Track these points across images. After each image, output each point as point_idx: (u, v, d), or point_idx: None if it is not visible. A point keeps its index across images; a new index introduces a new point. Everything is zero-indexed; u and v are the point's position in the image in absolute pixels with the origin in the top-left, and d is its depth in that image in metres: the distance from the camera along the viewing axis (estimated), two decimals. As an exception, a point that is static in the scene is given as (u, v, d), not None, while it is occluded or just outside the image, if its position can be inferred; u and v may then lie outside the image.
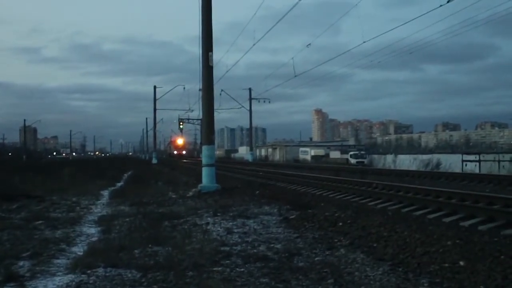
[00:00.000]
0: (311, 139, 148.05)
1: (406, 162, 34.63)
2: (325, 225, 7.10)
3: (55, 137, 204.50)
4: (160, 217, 8.31)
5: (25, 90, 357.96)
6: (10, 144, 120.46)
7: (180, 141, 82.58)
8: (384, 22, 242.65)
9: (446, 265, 4.60)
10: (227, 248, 5.69)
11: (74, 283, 4.35)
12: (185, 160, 61.57)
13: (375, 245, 5.70)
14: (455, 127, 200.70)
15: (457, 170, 26.57)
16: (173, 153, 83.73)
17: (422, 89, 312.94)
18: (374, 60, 46.47)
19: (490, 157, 32.17)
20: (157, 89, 56.59)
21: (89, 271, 4.67)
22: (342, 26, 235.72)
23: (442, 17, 18.39)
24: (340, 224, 7.03)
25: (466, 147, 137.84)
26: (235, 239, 6.40)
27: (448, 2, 13.87)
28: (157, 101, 56.70)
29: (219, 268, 4.77)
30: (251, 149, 64.21)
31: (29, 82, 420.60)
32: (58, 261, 5.23)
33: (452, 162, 30.26)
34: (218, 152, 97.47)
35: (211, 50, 13.84)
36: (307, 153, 64.83)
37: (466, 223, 7.73)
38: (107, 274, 4.60)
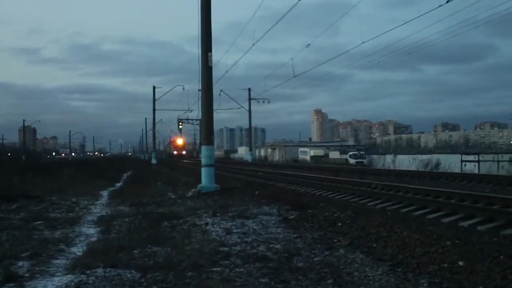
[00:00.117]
0: (310, 139, 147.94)
1: (406, 162, 34.65)
2: (325, 225, 7.10)
3: (55, 138, 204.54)
4: (159, 217, 8.31)
5: (24, 90, 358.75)
6: (10, 144, 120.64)
7: (180, 141, 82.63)
8: (383, 23, 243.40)
9: (446, 265, 4.60)
10: (226, 249, 5.69)
11: (73, 283, 4.35)
12: (184, 160, 61.60)
13: (374, 245, 5.70)
14: (454, 128, 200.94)
15: (457, 170, 26.59)
16: (173, 153, 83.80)
17: (421, 89, 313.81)
18: (373, 60, 46.65)
19: (489, 157, 32.24)
20: (156, 90, 56.67)
21: (88, 272, 4.67)
22: (342, 27, 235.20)
23: (441, 17, 18.43)
24: (340, 224, 7.03)
25: (466, 148, 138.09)
26: (235, 239, 6.40)
27: (447, 2, 13.89)
28: (156, 102, 56.78)
29: (219, 269, 4.77)
30: (250, 150, 64.17)
31: (28, 82, 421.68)
32: (57, 261, 5.23)
33: (451, 162, 30.27)
34: (218, 153, 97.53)
35: (211, 50, 13.84)
36: (307, 153, 64.81)
37: (466, 223, 7.73)
38: (107, 275, 4.59)
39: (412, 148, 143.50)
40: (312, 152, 64.25)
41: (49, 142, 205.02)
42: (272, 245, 5.93)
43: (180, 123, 64.09)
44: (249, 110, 55.50)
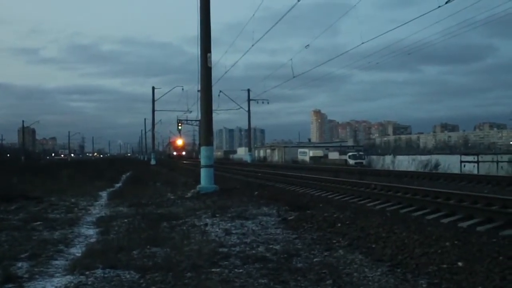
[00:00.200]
0: (309, 140, 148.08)
1: (405, 163, 34.71)
2: (324, 226, 7.10)
3: (54, 138, 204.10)
4: (158, 218, 8.30)
5: (23, 90, 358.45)
6: (9, 145, 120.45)
7: (179, 142, 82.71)
8: (382, 23, 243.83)
9: (445, 266, 4.61)
10: (225, 249, 5.69)
11: (72, 284, 4.34)
12: (184, 161, 61.59)
13: (373, 246, 5.70)
14: (453, 128, 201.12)
15: (456, 171, 26.62)
16: (173, 154, 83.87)
17: (421, 90, 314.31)
18: (372, 61, 46.70)
19: (488, 158, 32.33)
20: (155, 90, 56.77)
21: (87, 272, 4.66)
22: (341, 27, 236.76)
23: (440, 18, 18.46)
24: (339, 225, 7.03)
25: (465, 148, 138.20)
26: (234, 240, 6.39)
27: (446, 3, 13.91)
28: (155, 102, 56.85)
29: (218, 269, 4.77)
30: (249, 150, 64.10)
31: (27, 82, 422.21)
32: (57, 262, 5.22)
33: (450, 163, 30.31)
34: (217, 153, 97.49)
35: (210, 51, 13.82)
36: (306, 154, 64.85)
37: (465, 224, 7.74)
38: (106, 275, 4.59)
39: (411, 148, 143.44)
40: (311, 153, 64.31)
41: (48, 143, 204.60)
42: (271, 246, 5.92)
43: (180, 124, 64.16)
44: (248, 111, 55.55)
